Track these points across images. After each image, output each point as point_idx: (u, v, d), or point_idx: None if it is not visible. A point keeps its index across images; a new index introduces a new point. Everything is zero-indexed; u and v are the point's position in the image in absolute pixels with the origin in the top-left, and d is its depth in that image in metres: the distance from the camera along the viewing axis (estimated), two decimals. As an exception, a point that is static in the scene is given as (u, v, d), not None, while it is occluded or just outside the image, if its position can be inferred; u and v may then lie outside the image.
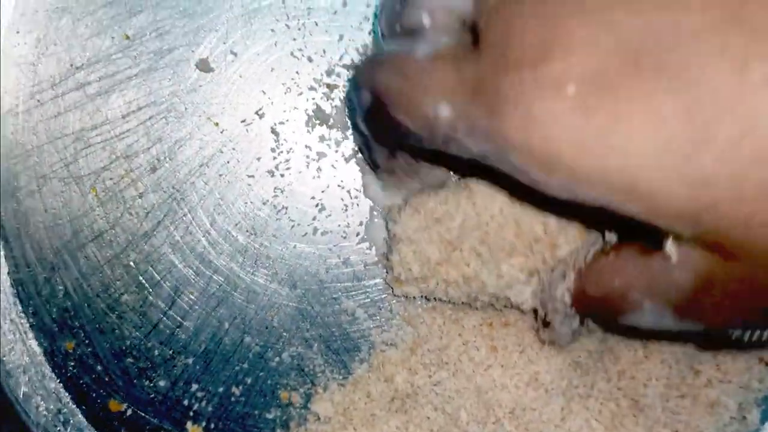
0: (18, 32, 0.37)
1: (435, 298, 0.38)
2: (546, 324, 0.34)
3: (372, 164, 0.36)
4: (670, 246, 0.24)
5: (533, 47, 0.22)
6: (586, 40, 0.22)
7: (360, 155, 0.38)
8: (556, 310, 0.32)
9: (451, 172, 0.36)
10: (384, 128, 0.30)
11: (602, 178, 0.22)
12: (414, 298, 0.38)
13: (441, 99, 0.25)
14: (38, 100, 0.37)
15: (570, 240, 0.33)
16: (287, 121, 0.38)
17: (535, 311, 0.34)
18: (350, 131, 0.38)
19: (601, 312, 0.30)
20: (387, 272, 0.38)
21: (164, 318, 0.38)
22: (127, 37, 0.37)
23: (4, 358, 0.37)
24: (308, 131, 0.38)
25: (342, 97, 0.38)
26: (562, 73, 0.22)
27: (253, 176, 0.38)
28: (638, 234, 0.25)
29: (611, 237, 0.30)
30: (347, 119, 0.38)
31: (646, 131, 0.21)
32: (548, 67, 0.22)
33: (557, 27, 0.22)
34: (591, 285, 0.30)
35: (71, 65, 0.37)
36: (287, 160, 0.38)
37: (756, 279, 0.23)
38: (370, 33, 0.38)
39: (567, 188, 0.23)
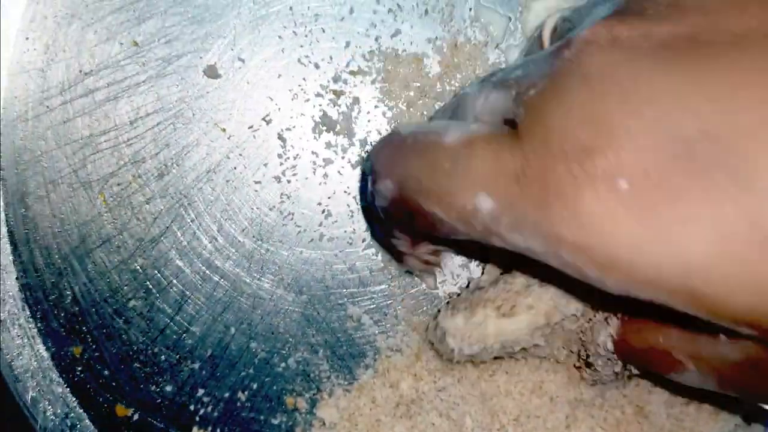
0: (27, 38, 0.37)
1: None
2: (588, 365, 0.34)
3: (396, 254, 0.35)
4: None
5: (578, 138, 0.21)
6: (634, 133, 0.20)
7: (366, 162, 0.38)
8: (598, 354, 0.31)
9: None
10: (410, 220, 0.28)
11: (661, 282, 0.21)
12: (421, 306, 0.38)
13: (480, 190, 0.24)
14: (47, 106, 0.37)
15: None
16: (294, 127, 0.38)
17: (579, 353, 0.34)
18: (355, 139, 0.38)
19: (643, 364, 0.30)
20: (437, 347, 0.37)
21: (171, 323, 0.38)
22: (136, 44, 0.37)
23: (12, 363, 0.37)
24: (315, 138, 0.38)
25: (348, 104, 0.38)
26: (612, 167, 0.20)
27: (260, 182, 0.38)
28: None
29: None
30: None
31: (706, 235, 0.20)
32: (597, 161, 0.21)
33: (602, 118, 0.21)
34: (634, 337, 0.29)
35: (80, 71, 0.37)
36: (294, 167, 0.38)
37: None
38: (376, 39, 0.38)
39: (622, 288, 0.22)
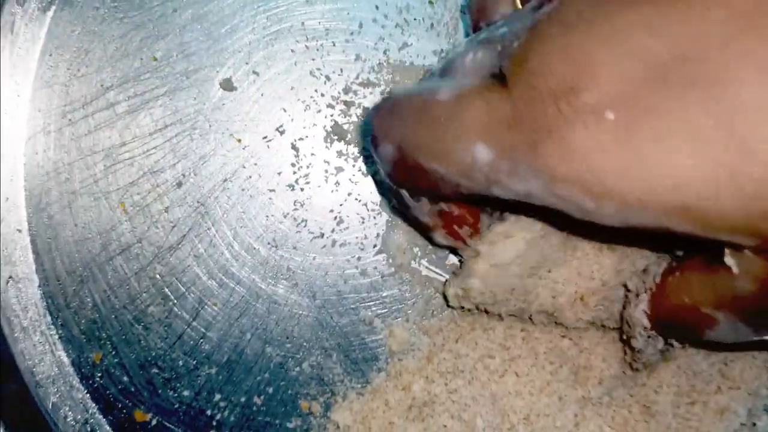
0: (51, 55, 0.39)
1: (482, 309, 0.38)
2: (631, 349, 0.34)
3: (417, 226, 0.35)
4: (728, 258, 0.24)
5: (563, 78, 0.22)
6: (612, 66, 0.22)
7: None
8: (639, 334, 0.32)
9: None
10: (415, 181, 0.29)
11: (652, 202, 0.22)
12: (432, 309, 0.40)
13: (476, 140, 0.25)
14: (70, 120, 0.39)
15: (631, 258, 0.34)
16: (307, 137, 0.39)
17: (623, 340, 0.35)
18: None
19: (678, 330, 0.30)
20: (449, 286, 0.37)
21: (188, 329, 0.39)
22: (155, 59, 0.39)
23: (34, 369, 0.38)
24: (327, 147, 0.39)
25: (359, 114, 0.39)
26: (597, 100, 0.22)
27: (274, 190, 0.39)
28: (700, 248, 0.26)
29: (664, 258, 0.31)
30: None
31: (687, 148, 0.21)
32: (582, 96, 0.22)
33: (582, 57, 0.22)
34: (662, 306, 0.30)
35: (101, 86, 0.39)
36: (307, 175, 0.39)
37: None
38: (384, 52, 0.39)
39: (620, 216, 0.23)
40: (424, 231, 0.36)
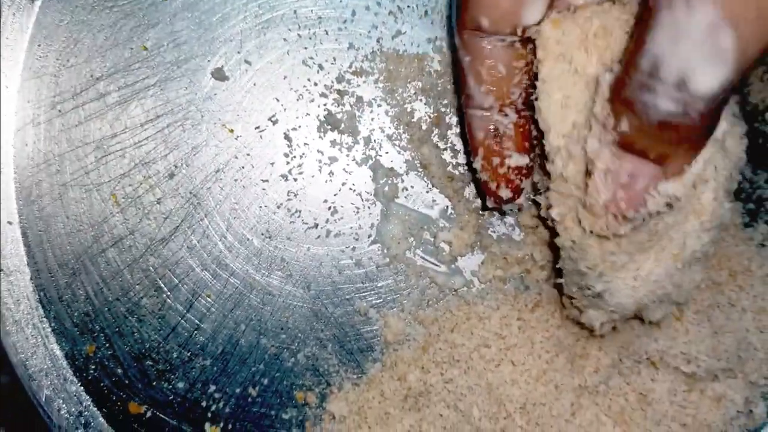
0: (39, 45, 0.38)
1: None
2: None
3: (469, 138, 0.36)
4: None
5: None
6: None
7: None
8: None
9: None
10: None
11: None
12: (427, 299, 0.39)
13: None
14: (59, 110, 0.38)
15: None
16: (300, 126, 0.39)
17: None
18: (359, 137, 0.39)
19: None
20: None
21: (182, 321, 0.38)
22: (145, 48, 0.39)
23: (27, 362, 0.38)
24: (320, 136, 0.39)
25: (352, 103, 0.39)
26: None
27: (267, 181, 0.39)
28: None
29: None
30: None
31: None
32: None
33: None
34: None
35: (91, 76, 0.38)
36: (300, 165, 0.39)
37: None
38: (378, 41, 0.39)
39: None
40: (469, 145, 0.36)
